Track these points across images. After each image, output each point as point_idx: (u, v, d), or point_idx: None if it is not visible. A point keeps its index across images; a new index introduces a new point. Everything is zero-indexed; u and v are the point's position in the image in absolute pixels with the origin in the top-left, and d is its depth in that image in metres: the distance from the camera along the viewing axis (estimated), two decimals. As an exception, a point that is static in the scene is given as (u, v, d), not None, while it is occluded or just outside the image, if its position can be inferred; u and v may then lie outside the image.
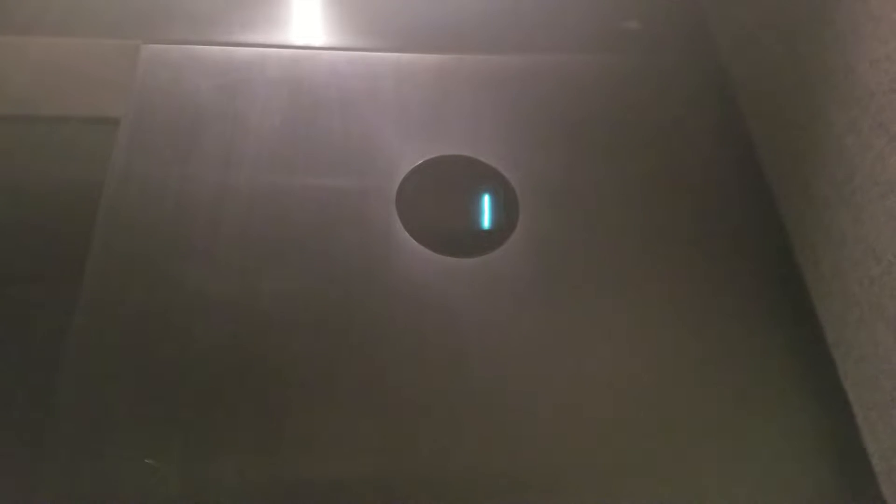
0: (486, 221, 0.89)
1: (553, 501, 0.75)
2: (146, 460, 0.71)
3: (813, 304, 0.84)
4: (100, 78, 0.96)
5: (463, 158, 0.93)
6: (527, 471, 0.76)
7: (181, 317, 0.80)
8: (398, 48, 1.02)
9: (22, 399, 0.77)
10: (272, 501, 0.72)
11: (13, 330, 0.81)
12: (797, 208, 0.88)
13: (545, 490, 0.75)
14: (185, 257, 0.84)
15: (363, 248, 0.86)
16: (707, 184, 0.95)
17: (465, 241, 0.87)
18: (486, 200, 0.90)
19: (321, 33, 1.05)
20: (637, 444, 0.78)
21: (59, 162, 0.94)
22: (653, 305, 0.86)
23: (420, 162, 0.92)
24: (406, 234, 0.87)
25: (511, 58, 1.03)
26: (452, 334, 0.82)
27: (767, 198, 0.92)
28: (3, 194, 0.91)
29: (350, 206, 0.88)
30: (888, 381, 0.72)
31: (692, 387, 0.81)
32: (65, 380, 0.76)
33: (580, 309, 0.85)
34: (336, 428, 0.76)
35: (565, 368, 0.81)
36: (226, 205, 0.88)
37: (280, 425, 0.75)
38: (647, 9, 1.11)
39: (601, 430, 0.78)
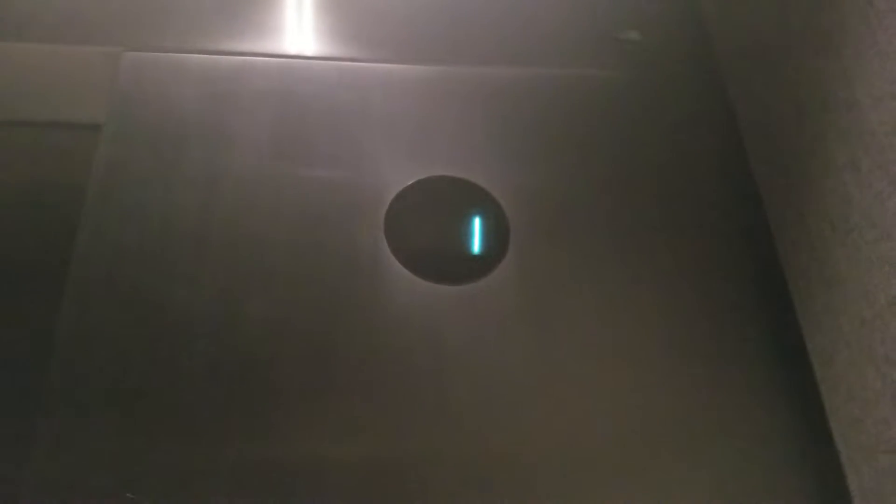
0: (476, 247, 0.87)
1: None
2: (128, 495, 0.71)
3: (803, 339, 0.83)
4: (80, 85, 0.93)
5: (453, 179, 0.91)
6: (511, 485, 0.76)
7: (162, 334, 0.79)
8: (389, 59, 0.99)
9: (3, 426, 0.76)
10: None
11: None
12: (793, 241, 0.86)
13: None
14: (165, 273, 0.83)
15: (350, 271, 0.84)
16: (703, 209, 0.93)
17: (454, 267, 0.86)
18: (476, 225, 0.89)
19: (309, 42, 1.01)
20: (620, 470, 0.78)
21: (39, 167, 0.91)
22: (643, 334, 0.85)
23: (409, 183, 0.90)
24: (394, 259, 0.85)
25: (503, 70, 1.00)
26: (438, 361, 0.81)
27: (764, 227, 0.91)
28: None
29: (337, 227, 0.87)
30: (874, 426, 0.72)
31: (677, 416, 0.81)
32: (47, 400, 0.75)
33: (571, 335, 0.84)
34: (319, 449, 0.76)
35: (552, 394, 0.80)
36: (209, 221, 0.86)
37: (265, 445, 0.75)
38: (648, 26, 1.07)
39: (586, 452, 0.78)
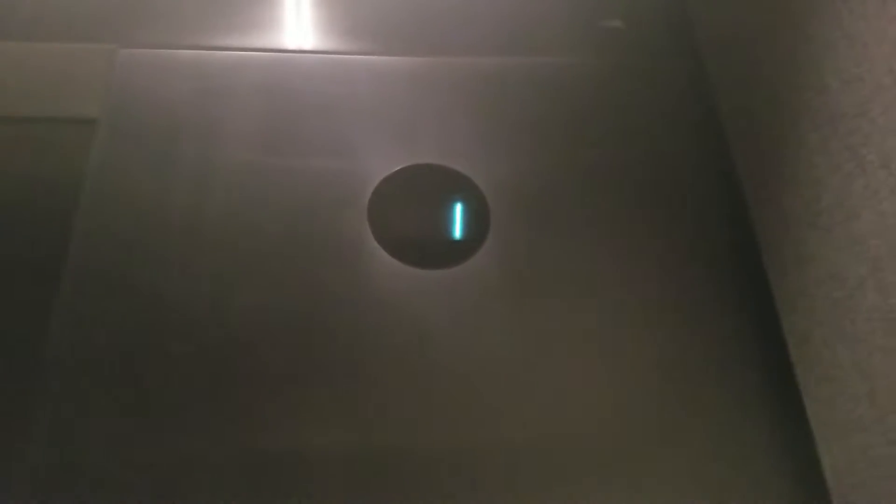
0: (458, 232, 0.90)
1: None
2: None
3: (779, 321, 0.85)
4: (77, 82, 0.96)
5: (435, 167, 0.93)
6: (493, 472, 0.78)
7: (155, 325, 0.82)
8: (375, 51, 1.02)
9: None
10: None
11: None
12: (769, 222, 0.87)
13: (509, 492, 0.77)
14: (159, 265, 0.86)
15: (335, 258, 0.87)
16: (682, 192, 0.94)
17: (436, 251, 0.88)
18: (458, 210, 0.91)
19: (298, 36, 1.04)
20: (598, 451, 0.80)
21: (36, 161, 0.94)
22: (622, 315, 0.87)
23: (392, 171, 0.92)
24: (377, 244, 0.88)
25: (487, 60, 1.02)
26: (423, 345, 0.83)
27: (742, 209, 0.92)
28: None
29: (323, 215, 0.89)
30: (846, 403, 0.73)
31: (654, 395, 0.83)
32: (41, 387, 0.78)
33: (550, 318, 0.86)
34: (306, 436, 0.78)
35: (535, 377, 0.82)
36: (200, 212, 0.89)
37: (253, 432, 0.78)
38: (628, 11, 1.08)
39: (569, 438, 0.80)
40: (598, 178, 0.94)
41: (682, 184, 0.95)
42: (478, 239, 0.89)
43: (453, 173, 0.93)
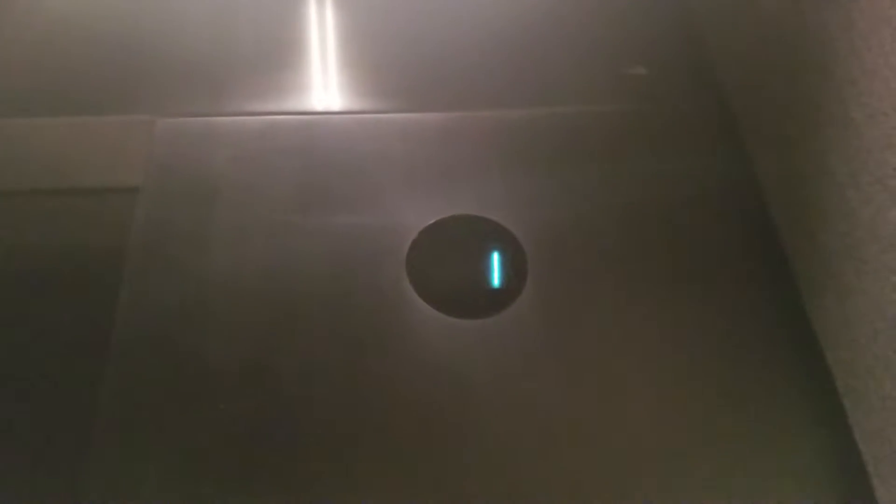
0: (497, 281, 0.91)
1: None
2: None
3: (823, 354, 0.85)
4: (119, 152, 1.00)
5: (470, 218, 0.95)
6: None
7: (200, 387, 0.84)
8: (405, 109, 1.05)
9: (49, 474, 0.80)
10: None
11: (40, 399, 0.84)
12: (805, 257, 0.88)
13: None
14: (204, 329, 0.88)
15: (375, 312, 0.88)
16: (716, 233, 0.96)
17: (475, 301, 0.90)
18: (496, 260, 0.92)
19: (329, 98, 1.08)
20: (647, 497, 0.79)
21: (82, 230, 0.97)
22: (662, 359, 0.87)
23: (428, 223, 0.94)
24: (417, 296, 0.89)
25: (515, 112, 1.05)
26: (462, 393, 0.84)
27: (777, 246, 0.93)
28: (31, 262, 0.95)
29: (362, 269, 0.91)
30: (897, 435, 0.73)
31: (701, 438, 0.82)
32: (91, 453, 0.80)
33: (589, 365, 0.86)
34: (348, 489, 0.79)
35: (574, 425, 0.83)
36: (241, 273, 0.91)
37: (296, 490, 0.78)
38: (654, 60, 1.12)
39: (612, 484, 0.80)
40: (632, 223, 0.96)
41: (715, 225, 0.96)
42: (516, 288, 0.90)
43: (489, 223, 0.95)
